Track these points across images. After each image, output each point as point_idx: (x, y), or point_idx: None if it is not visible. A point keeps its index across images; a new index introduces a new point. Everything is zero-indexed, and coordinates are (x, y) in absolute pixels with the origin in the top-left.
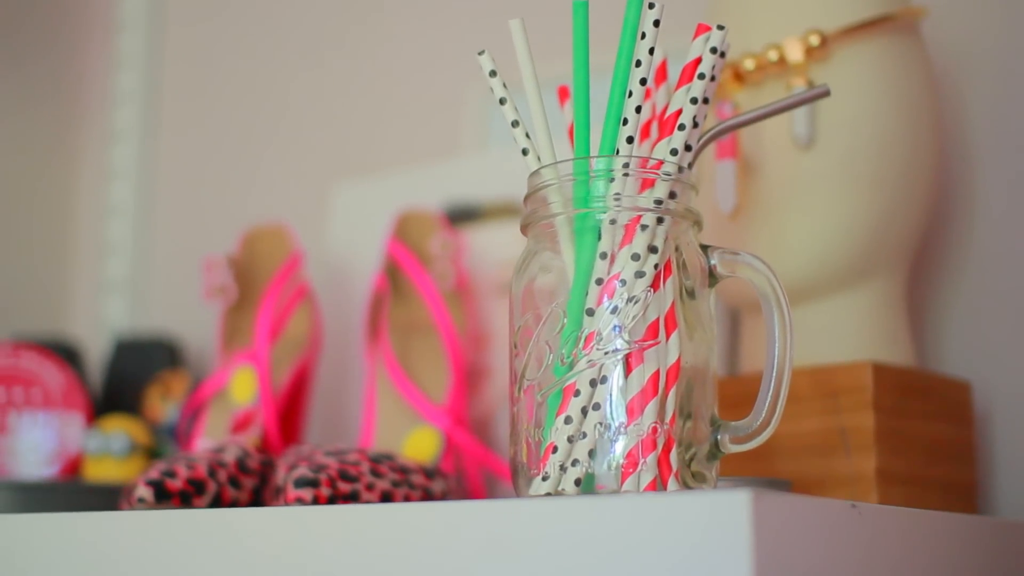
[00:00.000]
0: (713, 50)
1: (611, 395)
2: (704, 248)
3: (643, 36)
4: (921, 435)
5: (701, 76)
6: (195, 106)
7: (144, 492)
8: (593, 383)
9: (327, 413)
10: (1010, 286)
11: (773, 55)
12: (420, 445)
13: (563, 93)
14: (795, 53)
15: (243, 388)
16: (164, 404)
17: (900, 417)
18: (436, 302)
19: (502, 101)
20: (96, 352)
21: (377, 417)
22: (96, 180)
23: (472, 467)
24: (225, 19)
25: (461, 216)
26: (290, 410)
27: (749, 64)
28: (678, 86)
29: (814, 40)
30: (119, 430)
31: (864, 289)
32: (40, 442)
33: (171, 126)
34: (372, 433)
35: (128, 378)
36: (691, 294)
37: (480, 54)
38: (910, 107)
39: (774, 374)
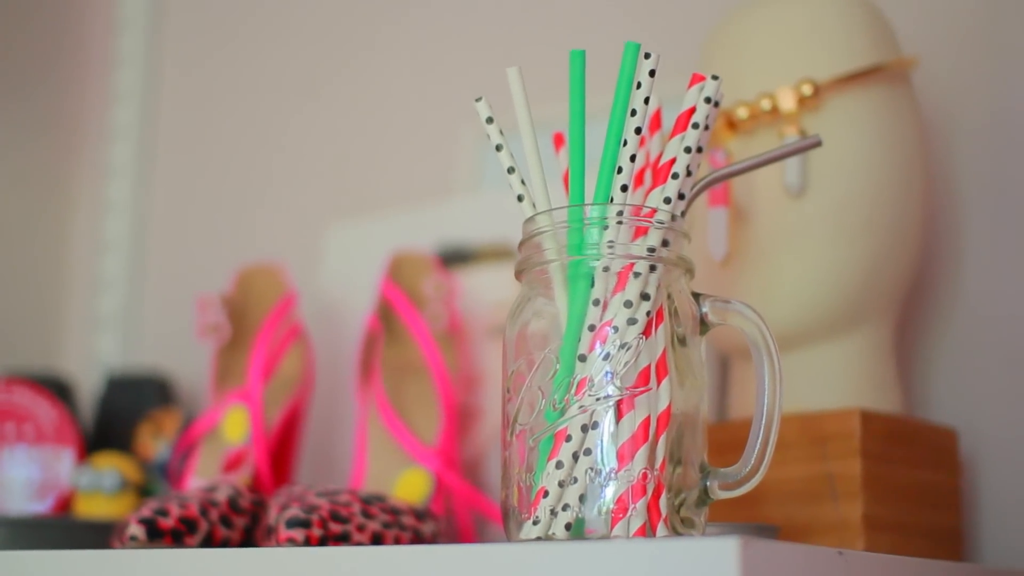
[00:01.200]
0: (707, 100)
1: (602, 441)
2: (696, 296)
3: (639, 86)
4: (907, 482)
5: (695, 126)
6: (191, 143)
7: (136, 530)
8: (584, 428)
9: (318, 453)
10: (997, 334)
11: (766, 104)
12: (411, 486)
13: (559, 140)
14: (788, 102)
15: (235, 427)
16: (155, 442)
17: (887, 464)
18: (428, 344)
19: (498, 148)
20: (88, 388)
21: (368, 458)
22: (91, 215)
23: (462, 509)
24: (222, 58)
25: (454, 258)
26: (282, 449)
27: (742, 112)
28: (672, 135)
29: (806, 89)
30: (110, 467)
31: (853, 336)
32: (29, 477)
33: (166, 162)
34: (363, 474)
35: (120, 414)
36: (682, 341)
37: (477, 101)
38: (901, 156)
39: (763, 422)
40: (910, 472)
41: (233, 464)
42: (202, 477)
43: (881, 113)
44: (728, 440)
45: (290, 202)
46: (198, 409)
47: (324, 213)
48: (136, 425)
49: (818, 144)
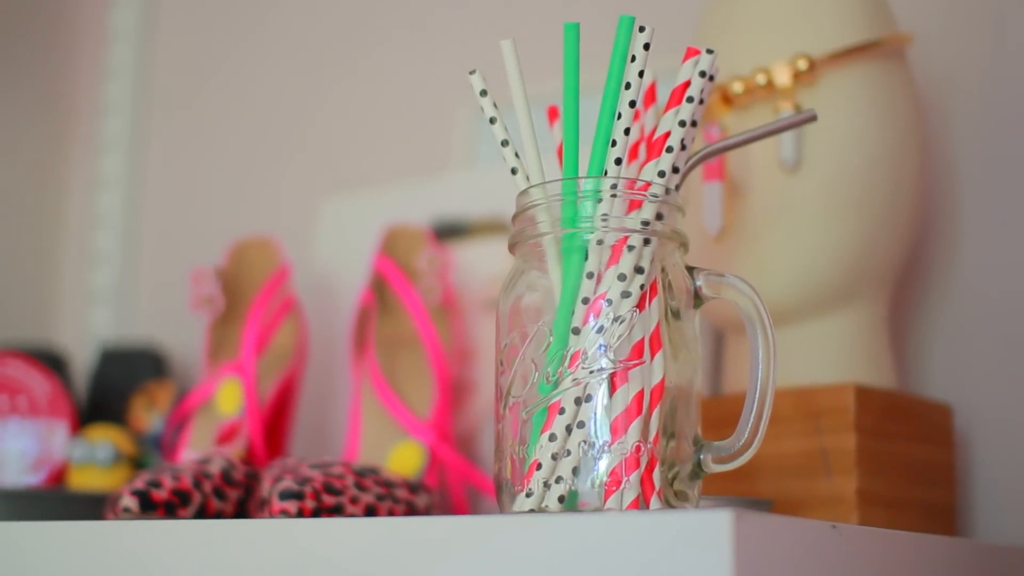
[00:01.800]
0: (702, 74)
1: (595, 413)
2: (690, 269)
3: (633, 59)
4: (902, 457)
5: (690, 99)
6: (184, 118)
7: (129, 502)
8: (578, 401)
9: (312, 425)
10: (992, 310)
11: (761, 79)
12: (404, 459)
13: (552, 113)
14: (783, 77)
15: (229, 400)
16: (149, 414)
17: (881, 439)
18: (422, 317)
19: (492, 120)
20: (82, 361)
21: (362, 430)
22: (84, 190)
23: (456, 482)
24: (215, 33)
25: (448, 232)
26: (275, 422)
27: (737, 87)
28: (667, 108)
29: (802, 64)
30: (104, 439)
31: (847, 312)
32: (23, 449)
33: (160, 137)
34: (357, 446)
35: (113, 387)
36: (676, 315)
37: (471, 73)
38: (896, 132)
39: (757, 395)
40: (904, 447)
41: (227, 436)
42: (196, 449)
43: (876, 89)
44: (723, 414)
45: (285, 176)
46: (192, 382)
47: (319, 187)
48: (130, 398)
49: (813, 119)
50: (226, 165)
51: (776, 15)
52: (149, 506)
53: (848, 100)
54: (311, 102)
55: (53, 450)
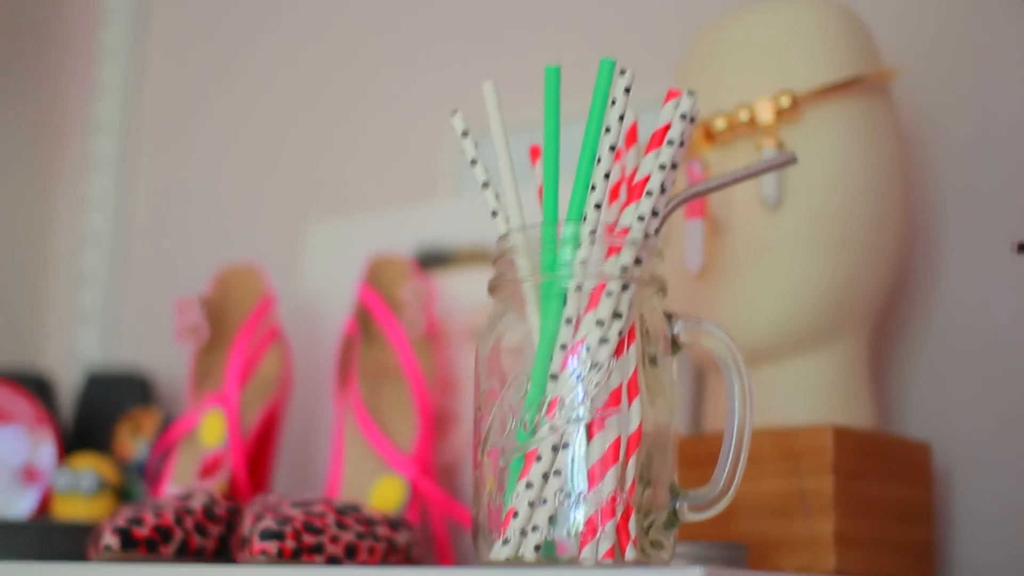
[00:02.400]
0: (683, 116)
1: (572, 461)
2: (668, 316)
3: (613, 102)
4: (880, 497)
5: (670, 143)
6: (173, 140)
7: (111, 540)
8: (555, 448)
9: (296, 456)
10: (973, 346)
11: (744, 115)
12: (386, 494)
13: (535, 152)
14: (766, 114)
15: (212, 431)
16: (134, 441)
17: (860, 480)
18: (405, 351)
19: (473, 162)
20: (68, 384)
21: (344, 464)
22: (72, 210)
23: (438, 517)
24: (205, 55)
25: (433, 261)
26: (259, 453)
27: (720, 123)
28: (647, 151)
29: (785, 101)
30: (88, 468)
31: (827, 350)
32: (9, 456)
33: (148, 158)
34: (339, 480)
35: (99, 412)
36: (653, 361)
37: (453, 114)
38: (879, 170)
39: (732, 444)
40: (883, 487)
41: (210, 469)
42: (179, 481)
43: (859, 125)
44: (704, 453)
45: (271, 200)
46: (178, 408)
47: (305, 212)
48: (115, 423)
49: (793, 162)
50: (215, 187)
51: (759, 51)
52: (130, 544)
53: (830, 137)
54: (299, 127)
55: (39, 460)
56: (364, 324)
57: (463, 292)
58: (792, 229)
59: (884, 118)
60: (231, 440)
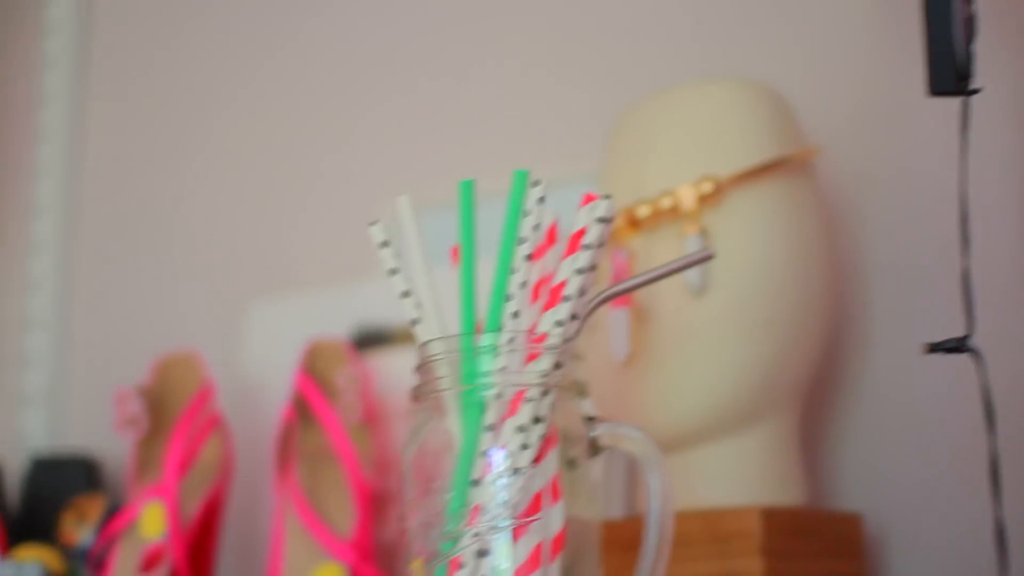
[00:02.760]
0: (599, 220)
1: (495, 568)
2: (588, 419)
3: (527, 214)
4: (811, 573)
5: (587, 247)
6: (113, 218)
7: None
8: (479, 555)
9: (240, 543)
10: (903, 419)
11: (667, 202)
12: None
13: (455, 254)
14: (689, 200)
15: (153, 523)
16: (79, 528)
17: (789, 560)
18: (340, 437)
19: (392, 272)
20: (13, 469)
21: (285, 552)
22: (13, 291)
23: None
24: (144, 135)
25: (372, 339)
26: (201, 542)
27: (644, 211)
28: (564, 256)
29: (707, 187)
30: (33, 560)
31: (756, 431)
32: None
33: (89, 237)
34: (280, 568)
35: (44, 498)
36: (573, 464)
37: (371, 225)
38: (802, 250)
39: (654, 546)
40: (814, 565)
41: (151, 562)
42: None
43: (783, 207)
44: (638, 536)
45: (211, 280)
46: (124, 493)
47: (245, 292)
48: (61, 509)
49: (710, 258)
50: (155, 267)
51: (683, 135)
52: None
53: (753, 221)
54: (239, 204)
55: None
56: (301, 410)
57: (401, 371)
58: (717, 314)
59: (808, 197)
60: (171, 533)
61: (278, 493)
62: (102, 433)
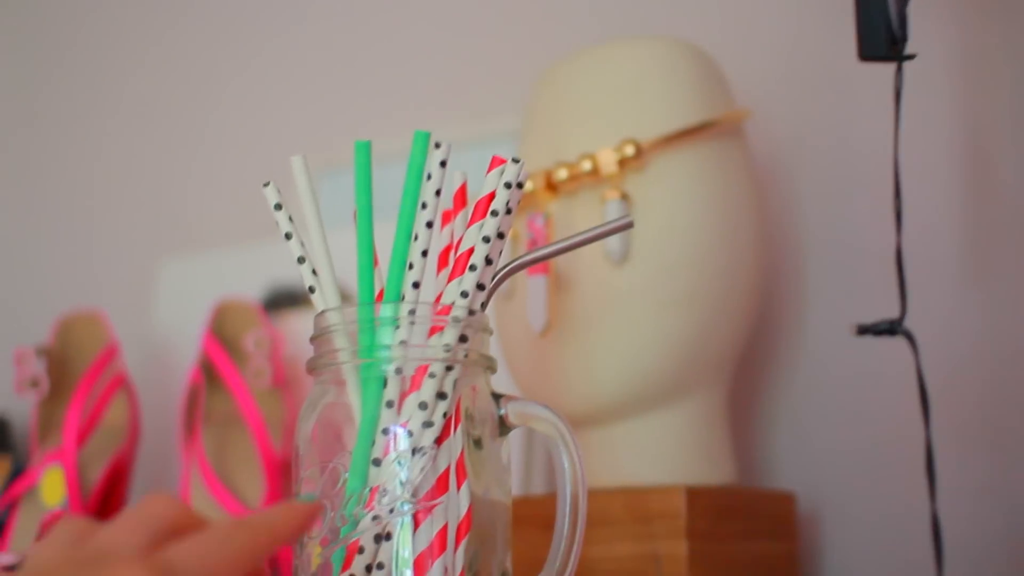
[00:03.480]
0: (507, 185)
1: (396, 553)
2: (496, 397)
3: (429, 177)
4: (741, 556)
5: (494, 213)
6: (13, 176)
7: None
8: (378, 539)
9: None
10: (836, 390)
11: (587, 165)
12: None
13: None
14: (609, 164)
15: (53, 489)
16: None
17: (717, 541)
18: (248, 403)
19: (288, 236)
20: None
21: None
22: None
23: (288, 573)
24: (45, 91)
25: (286, 300)
26: (105, 508)
27: (562, 174)
28: (471, 222)
29: (629, 150)
30: None
31: (682, 405)
32: None
33: None
34: None
35: None
36: (479, 444)
37: (265, 186)
38: (730, 217)
39: (566, 530)
40: (743, 545)
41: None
42: (21, 539)
43: (710, 172)
44: (551, 515)
45: (120, 239)
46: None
47: (155, 251)
48: None
49: (630, 226)
50: (61, 224)
51: (604, 95)
52: None
53: (678, 186)
54: (147, 161)
55: None
56: (208, 374)
57: None
58: (639, 283)
59: (736, 163)
60: (70, 499)
61: (185, 459)
62: (6, 393)
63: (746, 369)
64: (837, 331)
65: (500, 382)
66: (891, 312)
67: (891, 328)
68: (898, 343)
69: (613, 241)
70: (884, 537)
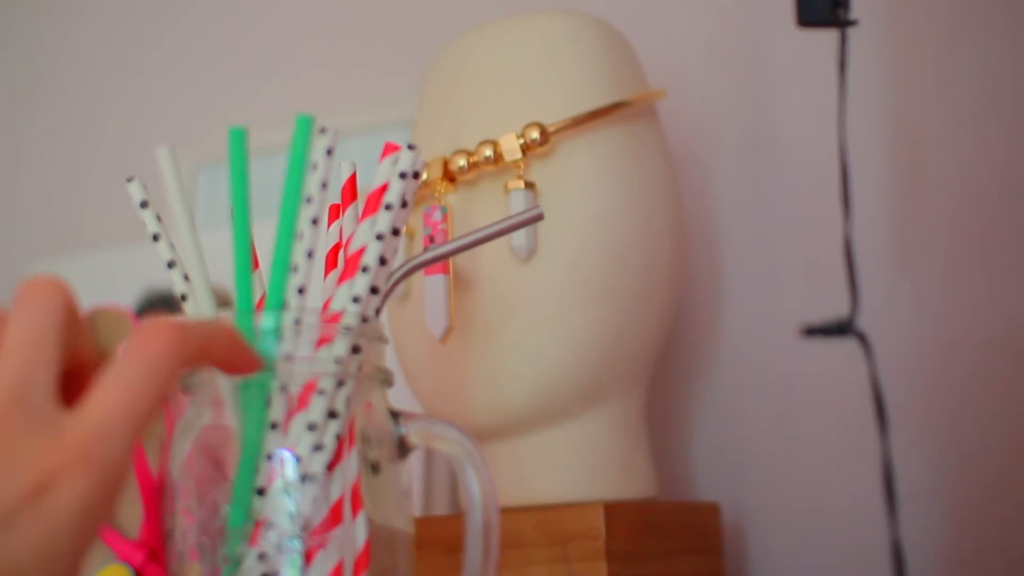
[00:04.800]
0: (402, 175)
1: None
2: (395, 415)
3: (314, 168)
4: (664, 575)
5: (388, 207)
6: None
7: None
8: None
9: None
10: (759, 390)
11: (487, 152)
12: None
13: None
14: (512, 150)
15: None
16: None
17: (639, 561)
18: None
19: (155, 237)
20: None
21: None
22: None
23: None
24: None
25: (162, 305)
26: None
27: (461, 162)
28: (362, 217)
29: (533, 134)
30: None
31: (595, 415)
32: None
33: None
34: None
35: None
36: (376, 468)
37: (128, 181)
38: (645, 208)
39: (479, 562)
40: (666, 564)
41: None
42: None
43: (623, 158)
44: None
45: None
46: None
47: (26, 251)
48: None
49: (540, 218)
50: None
51: (505, 75)
52: None
53: (588, 173)
54: (11, 157)
55: None
56: None
57: None
58: (547, 282)
59: (651, 148)
60: None
61: None
62: None
63: (662, 372)
64: (756, 329)
65: (395, 394)
66: (812, 309)
67: (841, 328)
68: (821, 344)
69: (519, 236)
70: (813, 547)
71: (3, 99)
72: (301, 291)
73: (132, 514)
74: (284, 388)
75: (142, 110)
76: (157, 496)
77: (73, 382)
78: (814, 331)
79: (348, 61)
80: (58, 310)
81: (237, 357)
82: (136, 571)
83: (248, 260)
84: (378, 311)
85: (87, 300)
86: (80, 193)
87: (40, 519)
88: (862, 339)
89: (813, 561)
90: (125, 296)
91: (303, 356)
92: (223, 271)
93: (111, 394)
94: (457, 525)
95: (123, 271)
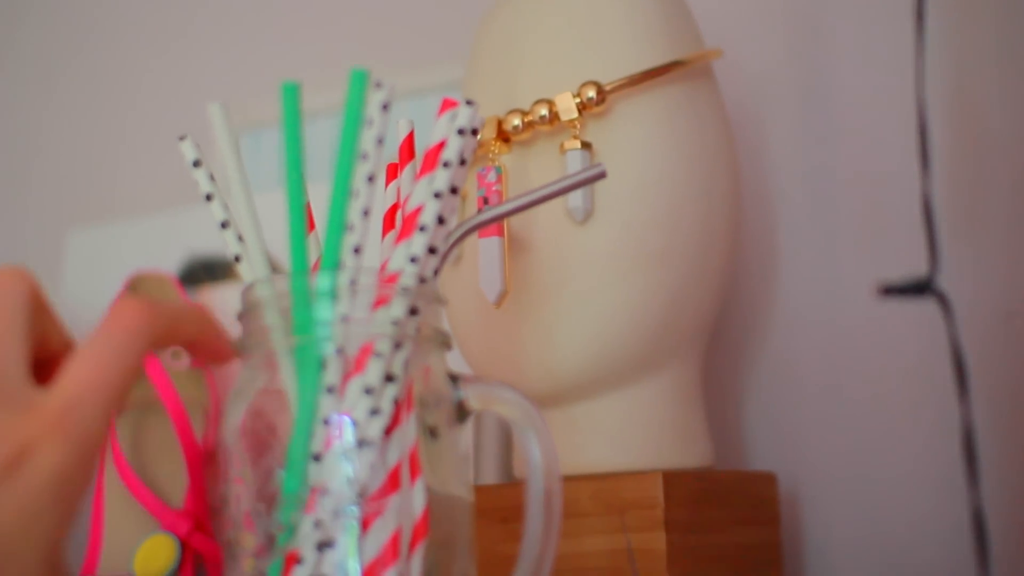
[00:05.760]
0: (460, 131)
1: (342, 562)
2: (453, 378)
3: (371, 123)
4: (721, 545)
5: (447, 165)
6: None
7: None
8: (320, 547)
9: None
10: (816, 357)
11: (543, 111)
12: (153, 558)
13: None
14: (568, 110)
15: None
16: None
17: (696, 532)
18: (165, 387)
19: (208, 197)
20: None
21: (105, 523)
22: None
23: (216, 573)
24: None
25: (206, 272)
26: None
27: (515, 122)
28: (420, 175)
29: (590, 93)
30: None
31: (651, 381)
32: None
33: None
34: (99, 543)
35: None
36: (435, 433)
37: (181, 140)
38: (703, 167)
39: (540, 530)
40: (723, 534)
41: None
42: None
43: (682, 117)
44: (517, 504)
45: (27, 203)
46: None
47: (65, 219)
48: None
49: (602, 176)
50: None
51: (561, 36)
52: None
53: (645, 133)
54: (57, 124)
55: None
56: None
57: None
58: (604, 244)
59: (709, 105)
60: None
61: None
62: None
63: (718, 338)
64: (815, 292)
65: (448, 360)
66: (870, 273)
67: (920, 287)
68: (880, 306)
69: (575, 197)
70: (870, 517)
71: (37, 62)
72: (357, 251)
73: (177, 483)
74: (340, 351)
75: (179, 74)
76: (202, 465)
77: (43, 371)
78: (892, 290)
79: (392, 24)
80: (24, 297)
81: (207, 340)
82: (181, 541)
83: (302, 218)
84: (436, 272)
85: (126, 268)
86: (115, 158)
87: (18, 489)
88: (942, 299)
89: (871, 532)
90: (165, 263)
91: (359, 318)
92: (271, 237)
93: (83, 368)
94: (510, 494)
95: (160, 237)
